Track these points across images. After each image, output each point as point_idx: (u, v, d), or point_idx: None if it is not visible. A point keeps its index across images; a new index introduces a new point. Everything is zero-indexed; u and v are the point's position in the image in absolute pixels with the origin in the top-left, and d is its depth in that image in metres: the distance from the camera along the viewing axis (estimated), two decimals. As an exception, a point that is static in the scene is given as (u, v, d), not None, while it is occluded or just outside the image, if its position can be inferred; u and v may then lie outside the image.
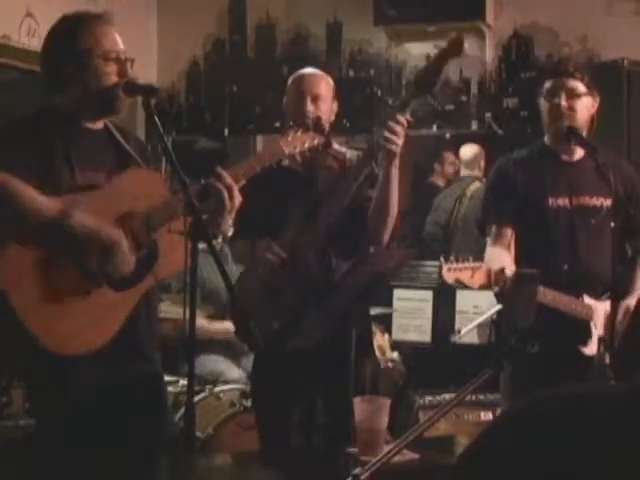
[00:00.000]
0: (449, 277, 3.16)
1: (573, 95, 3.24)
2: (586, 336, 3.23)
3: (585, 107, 3.27)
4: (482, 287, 3.18)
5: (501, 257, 3.27)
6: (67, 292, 2.44)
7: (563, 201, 3.29)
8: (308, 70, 3.34)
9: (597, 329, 3.23)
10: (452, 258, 3.16)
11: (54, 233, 2.36)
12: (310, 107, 3.15)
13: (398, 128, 2.91)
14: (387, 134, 2.91)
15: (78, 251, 2.40)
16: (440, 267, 3.18)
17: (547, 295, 3.13)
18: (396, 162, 3.00)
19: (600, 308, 3.24)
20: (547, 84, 3.31)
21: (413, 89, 3.01)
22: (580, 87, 3.25)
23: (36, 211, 2.35)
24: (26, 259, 2.38)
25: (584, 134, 3.29)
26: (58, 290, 2.43)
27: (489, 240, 3.38)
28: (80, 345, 2.45)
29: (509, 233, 3.33)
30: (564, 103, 3.24)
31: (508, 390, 3.40)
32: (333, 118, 3.27)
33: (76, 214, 2.37)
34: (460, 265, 3.14)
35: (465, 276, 3.14)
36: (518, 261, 3.29)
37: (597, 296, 3.25)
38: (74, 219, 2.36)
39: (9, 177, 2.35)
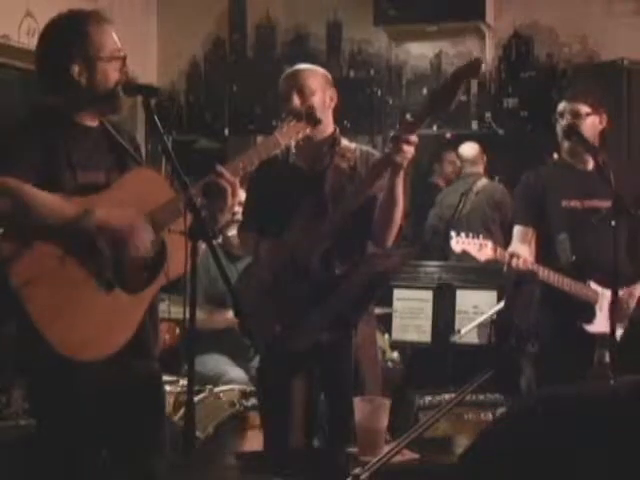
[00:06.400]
0: (457, 247, 3.60)
1: (577, 117, 3.62)
2: (590, 315, 3.54)
3: (590, 127, 3.63)
4: (488, 261, 3.56)
5: (522, 250, 3.65)
6: (81, 298, 2.44)
7: (575, 203, 3.67)
8: (296, 66, 3.31)
9: (602, 312, 3.52)
10: (462, 234, 3.60)
11: (75, 232, 2.39)
12: (296, 101, 3.15)
13: (412, 141, 2.96)
14: (399, 148, 2.95)
15: (96, 250, 2.42)
16: (450, 238, 3.64)
17: (551, 276, 3.51)
18: (402, 171, 3.03)
19: (606, 295, 3.45)
20: (558, 107, 3.70)
21: (428, 106, 3.07)
22: (583, 109, 3.62)
23: (57, 211, 2.38)
24: (40, 266, 2.38)
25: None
26: (72, 296, 2.42)
27: (514, 238, 3.79)
28: (95, 351, 2.46)
29: (531, 233, 3.75)
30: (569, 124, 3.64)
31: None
32: (332, 106, 3.25)
33: (97, 212, 2.42)
34: (469, 240, 3.57)
35: (472, 249, 3.56)
36: (538, 257, 3.67)
37: (605, 286, 3.50)
38: (95, 216, 2.40)
39: (18, 181, 2.36)
